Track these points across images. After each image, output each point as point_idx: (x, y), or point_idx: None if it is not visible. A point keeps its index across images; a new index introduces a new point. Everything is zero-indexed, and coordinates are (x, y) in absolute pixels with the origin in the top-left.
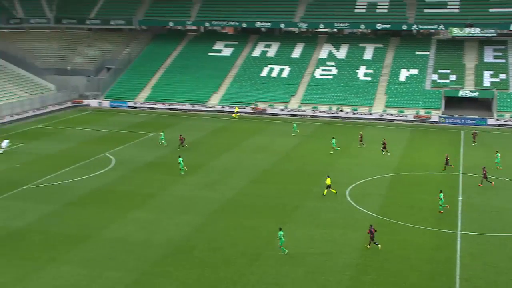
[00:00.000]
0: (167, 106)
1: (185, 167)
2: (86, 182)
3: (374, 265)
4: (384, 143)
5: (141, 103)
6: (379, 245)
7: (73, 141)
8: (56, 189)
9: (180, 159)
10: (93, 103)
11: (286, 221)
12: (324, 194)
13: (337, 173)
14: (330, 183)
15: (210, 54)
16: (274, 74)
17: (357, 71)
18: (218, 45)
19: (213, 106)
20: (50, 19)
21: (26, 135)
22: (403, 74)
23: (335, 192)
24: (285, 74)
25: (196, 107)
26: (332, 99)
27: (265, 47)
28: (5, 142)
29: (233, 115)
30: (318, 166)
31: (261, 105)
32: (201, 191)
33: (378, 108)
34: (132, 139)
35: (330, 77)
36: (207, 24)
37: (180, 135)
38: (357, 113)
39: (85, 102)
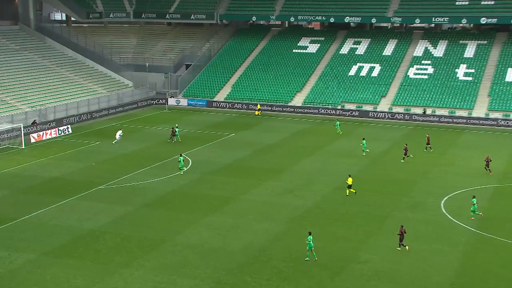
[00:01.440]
0: (245, 106)
1: (184, 168)
2: (162, 184)
3: (471, 286)
4: (405, 149)
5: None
6: (407, 247)
7: (149, 141)
8: (131, 190)
9: (181, 158)
10: (171, 101)
11: (374, 232)
12: (347, 194)
13: (431, 182)
14: (351, 183)
15: (294, 51)
16: (363, 73)
17: (456, 70)
18: (304, 42)
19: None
20: (129, 13)
21: (102, 133)
22: (511, 74)
23: (354, 192)
24: (375, 73)
25: (279, 107)
26: (427, 100)
27: (354, 44)
28: (119, 133)
29: (256, 112)
30: (409, 174)
31: (348, 106)
32: (282, 197)
33: (479, 111)
34: (210, 140)
35: (426, 76)
36: (292, 19)
37: (173, 128)
38: (455, 116)
39: (162, 100)
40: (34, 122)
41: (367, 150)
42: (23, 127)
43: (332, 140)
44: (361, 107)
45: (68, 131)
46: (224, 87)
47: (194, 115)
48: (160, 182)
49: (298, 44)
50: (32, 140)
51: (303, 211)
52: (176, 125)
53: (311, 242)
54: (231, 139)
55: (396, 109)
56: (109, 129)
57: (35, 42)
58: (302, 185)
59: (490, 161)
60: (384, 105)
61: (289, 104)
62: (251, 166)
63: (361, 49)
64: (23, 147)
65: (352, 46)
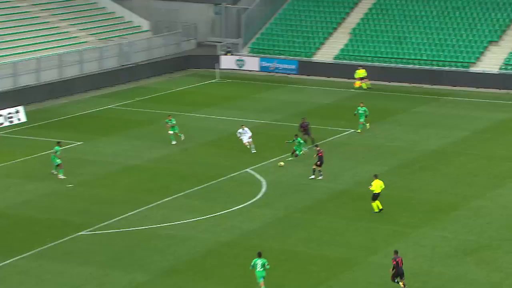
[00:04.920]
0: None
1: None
2: (206, 229)
3: None
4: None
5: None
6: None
7: (181, 140)
8: (143, 240)
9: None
10: (226, 62)
11: None
12: (375, 210)
13: None
14: (379, 191)
15: None
16: None
17: None
18: None
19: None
20: None
21: (86, 124)
22: None
23: (380, 208)
24: None
25: (449, 77)
26: None
27: None
28: (241, 132)
29: (356, 84)
30: None
31: None
32: (454, 265)
33: None
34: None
35: None
36: None
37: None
38: None
39: (210, 60)
40: None
41: (305, 149)
42: None
43: None
44: None
45: (19, 119)
46: (333, 34)
47: (272, 90)
48: (201, 225)
49: None
50: None
51: None
52: (169, 115)
53: (260, 269)
54: (349, 141)
55: None
56: (102, 115)
57: None
58: (498, 238)
59: None
60: None
61: (471, 69)
62: (390, 195)
63: None
64: None
65: None
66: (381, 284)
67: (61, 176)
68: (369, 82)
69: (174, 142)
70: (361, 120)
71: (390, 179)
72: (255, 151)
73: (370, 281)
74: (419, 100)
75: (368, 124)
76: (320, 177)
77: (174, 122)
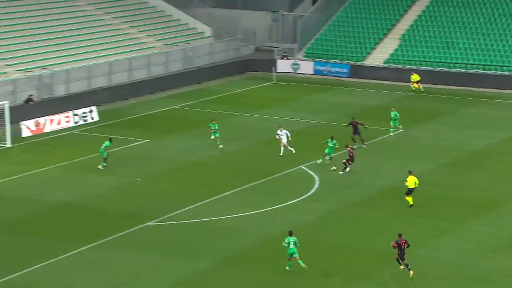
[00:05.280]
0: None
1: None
2: (262, 222)
3: None
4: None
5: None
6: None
7: (239, 139)
8: (205, 230)
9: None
10: (283, 65)
11: None
12: (410, 203)
13: None
14: (413, 186)
15: None
16: None
17: None
18: None
19: None
20: None
21: (152, 123)
22: None
23: (411, 203)
24: None
25: (495, 81)
26: None
27: None
28: (280, 133)
29: (412, 85)
30: None
31: None
32: (498, 259)
33: None
34: (354, 141)
35: None
36: None
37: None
38: None
39: (267, 64)
40: (29, 99)
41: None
42: (9, 107)
43: None
44: None
45: (92, 118)
46: (383, 40)
47: (325, 92)
48: (258, 219)
49: None
50: (26, 133)
51: None
52: (213, 120)
53: (292, 247)
54: (397, 140)
55: None
56: (166, 115)
57: None
58: None
59: None
60: None
61: None
62: (435, 192)
63: None
64: (9, 145)
65: None
66: (426, 276)
67: (100, 167)
68: (421, 86)
69: (221, 146)
70: (393, 124)
71: (436, 176)
72: (294, 151)
73: (416, 273)
74: (466, 103)
75: (392, 128)
76: (341, 171)
77: (217, 127)
